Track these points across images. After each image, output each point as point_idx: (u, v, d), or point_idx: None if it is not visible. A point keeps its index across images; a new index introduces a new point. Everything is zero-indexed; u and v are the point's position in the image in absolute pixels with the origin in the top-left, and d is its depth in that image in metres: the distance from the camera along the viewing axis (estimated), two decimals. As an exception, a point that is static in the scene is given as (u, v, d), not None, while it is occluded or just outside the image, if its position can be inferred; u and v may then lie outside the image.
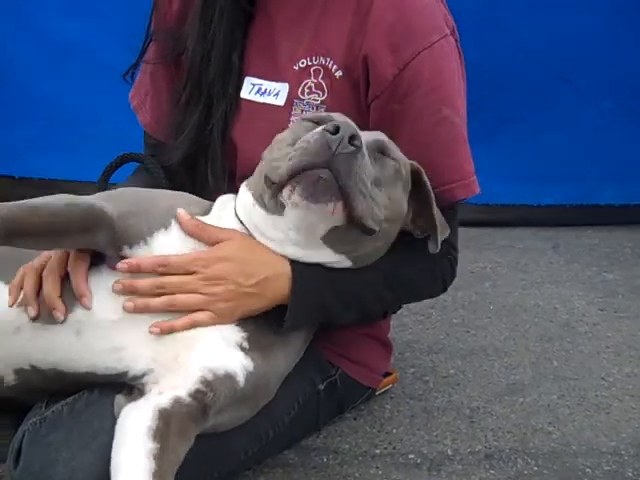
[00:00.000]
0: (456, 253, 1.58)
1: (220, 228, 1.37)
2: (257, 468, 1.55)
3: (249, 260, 1.35)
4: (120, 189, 1.48)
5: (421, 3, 1.45)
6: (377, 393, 1.81)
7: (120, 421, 1.26)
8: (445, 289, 1.62)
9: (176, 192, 1.47)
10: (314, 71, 1.49)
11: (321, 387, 1.61)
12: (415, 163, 1.41)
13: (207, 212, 1.41)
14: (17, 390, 1.41)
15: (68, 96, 3.09)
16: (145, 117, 1.75)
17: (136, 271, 1.31)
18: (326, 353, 1.62)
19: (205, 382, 1.28)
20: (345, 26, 1.46)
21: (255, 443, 1.49)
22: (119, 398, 1.31)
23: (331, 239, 1.33)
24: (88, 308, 1.31)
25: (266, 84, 1.53)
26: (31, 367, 1.37)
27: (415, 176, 1.41)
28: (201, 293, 1.32)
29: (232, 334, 1.34)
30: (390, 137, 1.39)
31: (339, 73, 1.47)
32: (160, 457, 1.21)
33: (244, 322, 1.35)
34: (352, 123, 1.27)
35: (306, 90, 1.49)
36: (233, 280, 1.32)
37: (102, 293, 1.32)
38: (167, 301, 1.30)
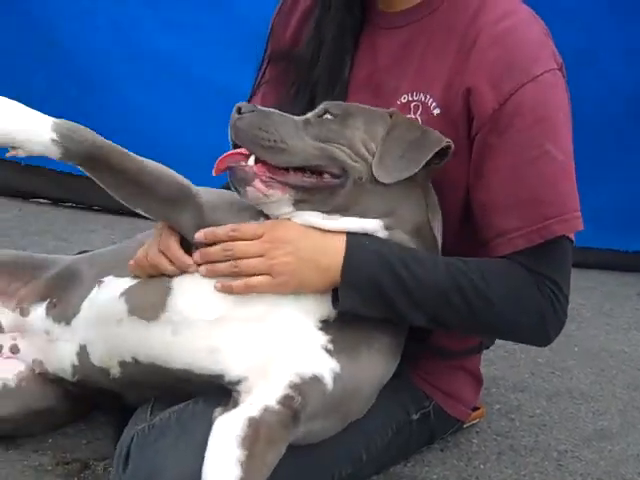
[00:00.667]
0: (560, 293, 1.46)
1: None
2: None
3: (310, 231, 1.38)
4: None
5: (527, 37, 1.45)
6: (464, 426, 1.82)
7: (215, 430, 1.30)
8: (546, 332, 1.48)
9: None
10: (414, 106, 1.51)
11: (415, 417, 1.63)
12: (394, 111, 1.45)
13: None
14: (121, 383, 1.49)
15: (163, 109, 3.19)
16: None
17: (211, 238, 1.37)
18: (421, 384, 1.64)
19: (293, 386, 1.32)
20: (446, 64, 1.48)
21: (349, 465, 1.51)
22: (218, 410, 1.35)
23: (308, 205, 1.37)
24: (195, 270, 1.39)
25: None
26: (133, 359, 1.44)
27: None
28: (263, 256, 1.36)
29: (318, 336, 1.36)
30: (489, 171, 1.42)
31: (437, 110, 1.48)
32: (248, 464, 1.25)
33: (329, 325, 1.37)
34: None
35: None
36: (294, 244, 1.36)
37: (196, 294, 1.38)
38: (231, 264, 1.36)
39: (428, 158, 1.37)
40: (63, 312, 1.60)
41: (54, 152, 1.30)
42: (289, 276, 1.36)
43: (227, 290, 1.36)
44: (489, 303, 1.41)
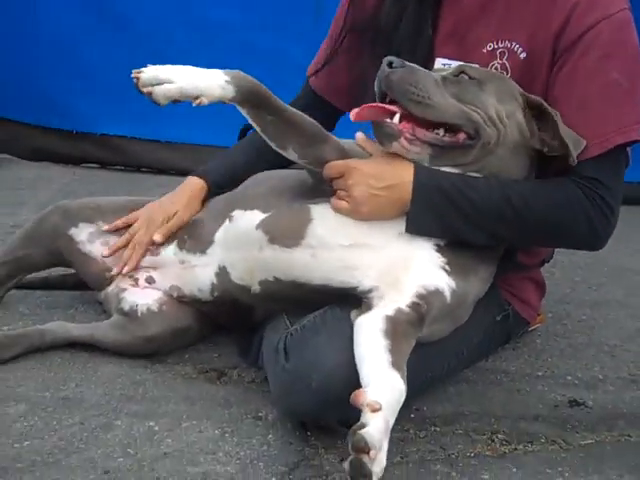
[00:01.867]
0: (611, 198, 1.66)
1: (376, 145, 1.68)
2: (446, 381, 1.88)
3: (383, 170, 1.63)
4: None
5: None
6: (529, 330, 2.14)
7: (357, 327, 1.59)
8: (596, 232, 1.67)
9: None
10: (500, 53, 1.76)
11: (498, 318, 1.94)
12: (532, 96, 1.65)
13: None
14: (260, 297, 1.77)
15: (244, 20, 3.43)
16: (320, 83, 2.07)
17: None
18: (502, 292, 1.95)
19: (420, 296, 1.61)
20: (530, 11, 1.72)
21: (454, 358, 1.82)
22: (354, 312, 1.64)
23: (436, 163, 1.62)
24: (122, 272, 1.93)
25: (455, 65, 1.77)
26: (274, 279, 1.72)
27: (538, 107, 1.66)
28: (346, 190, 1.64)
29: (436, 258, 1.65)
30: (561, 94, 1.67)
31: (523, 55, 1.74)
32: (393, 351, 1.53)
33: (443, 249, 1.65)
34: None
35: (492, 70, 1.75)
36: (365, 182, 1.63)
37: (333, 223, 1.66)
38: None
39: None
40: (196, 244, 1.89)
41: (229, 91, 1.57)
42: (363, 205, 1.63)
43: (334, 209, 1.66)
44: (538, 214, 1.63)
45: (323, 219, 1.68)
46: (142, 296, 1.94)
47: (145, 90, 1.54)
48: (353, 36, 1.97)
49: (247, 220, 1.78)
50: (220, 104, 1.60)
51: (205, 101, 1.56)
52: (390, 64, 1.59)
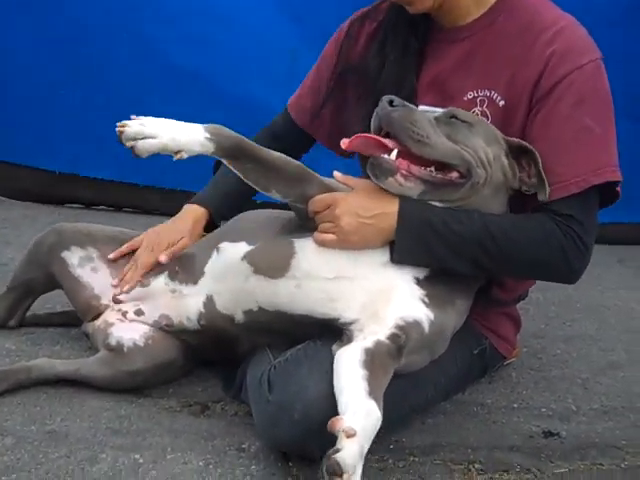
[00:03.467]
0: (585, 234, 1.73)
1: (356, 179, 1.76)
2: (424, 414, 1.93)
3: (369, 200, 1.70)
4: None
5: (576, 35, 1.80)
6: (505, 363, 2.20)
7: (337, 359, 1.64)
8: (570, 265, 1.74)
9: None
10: (480, 101, 1.85)
11: (475, 352, 2.00)
12: (512, 139, 1.74)
13: None
14: (244, 327, 1.83)
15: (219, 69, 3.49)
16: (302, 116, 2.16)
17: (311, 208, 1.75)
18: (479, 327, 2.02)
19: (399, 327, 1.66)
20: (508, 63, 1.82)
21: (432, 389, 1.87)
22: (335, 345, 1.70)
23: (428, 197, 1.69)
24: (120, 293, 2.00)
25: (440, 110, 1.83)
26: (259, 308, 1.79)
27: (520, 149, 1.75)
28: (333, 222, 1.70)
29: (415, 291, 1.71)
30: (537, 138, 1.75)
31: (502, 102, 1.83)
32: (370, 381, 1.57)
33: (422, 282, 1.72)
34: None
35: None
36: (353, 212, 1.69)
37: (316, 256, 1.72)
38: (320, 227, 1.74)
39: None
40: (188, 276, 1.94)
41: (209, 147, 1.65)
42: (352, 234, 1.70)
43: (316, 243, 1.73)
44: (517, 245, 1.71)
45: (306, 252, 1.74)
46: (129, 331, 1.98)
47: (128, 144, 1.61)
48: (339, 81, 2.07)
49: (233, 252, 1.84)
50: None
51: (185, 156, 1.64)
52: (391, 102, 1.66)
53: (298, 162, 1.76)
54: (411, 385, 1.78)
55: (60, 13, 3.45)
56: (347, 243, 1.71)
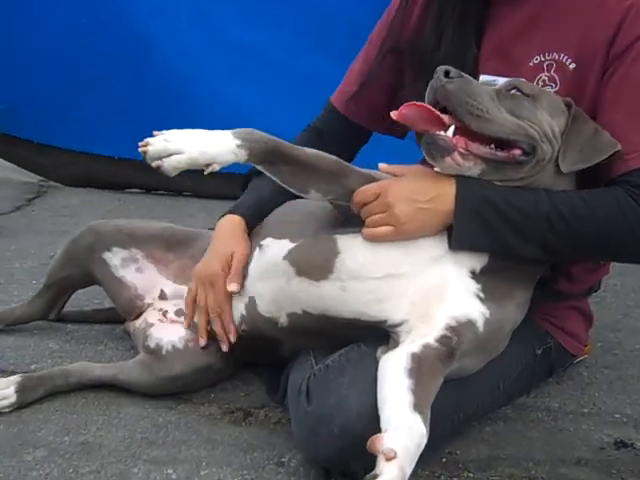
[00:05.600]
0: None
1: (405, 166, 1.63)
2: (482, 421, 1.77)
3: (422, 183, 1.56)
4: None
5: None
6: (575, 362, 2.02)
7: (381, 367, 1.51)
8: None
9: None
10: (547, 66, 1.68)
11: (538, 352, 1.83)
12: (569, 101, 1.59)
13: None
14: (287, 331, 1.71)
15: (245, 98, 3.39)
16: (353, 109, 1.97)
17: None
18: (544, 324, 1.84)
19: (450, 328, 1.51)
20: (579, 23, 1.65)
21: (488, 395, 1.72)
22: (380, 350, 1.56)
23: (489, 177, 1.53)
24: (232, 342, 1.80)
25: (501, 80, 1.68)
26: (303, 312, 1.65)
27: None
28: (386, 212, 1.55)
29: (470, 285, 1.55)
30: (612, 105, 1.59)
31: (572, 65, 1.66)
32: (416, 391, 1.44)
33: (478, 276, 1.56)
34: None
35: (540, 83, 1.68)
36: (408, 197, 1.55)
37: (362, 255, 1.58)
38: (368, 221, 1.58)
39: (602, 159, 1.54)
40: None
41: (242, 155, 1.51)
42: (409, 222, 1.55)
43: (367, 238, 1.58)
44: (590, 223, 1.53)
45: (351, 251, 1.60)
46: (168, 332, 1.89)
47: (154, 164, 1.49)
48: (392, 57, 1.89)
49: (276, 250, 1.71)
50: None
51: (217, 167, 1.51)
52: (447, 73, 1.50)
53: (335, 157, 1.62)
54: (465, 391, 1.63)
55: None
56: (404, 233, 1.56)
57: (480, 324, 1.54)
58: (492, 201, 1.53)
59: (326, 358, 1.62)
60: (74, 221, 3.18)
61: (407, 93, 1.82)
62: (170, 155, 1.49)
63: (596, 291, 1.96)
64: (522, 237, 1.54)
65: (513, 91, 1.56)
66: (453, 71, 1.50)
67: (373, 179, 1.61)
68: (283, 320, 1.70)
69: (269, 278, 1.70)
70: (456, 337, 1.51)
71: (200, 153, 1.49)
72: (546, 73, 1.68)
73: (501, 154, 1.51)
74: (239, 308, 1.79)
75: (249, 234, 1.87)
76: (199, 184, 3.56)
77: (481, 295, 1.55)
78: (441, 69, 1.51)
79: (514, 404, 1.85)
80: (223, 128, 3.48)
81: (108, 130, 3.58)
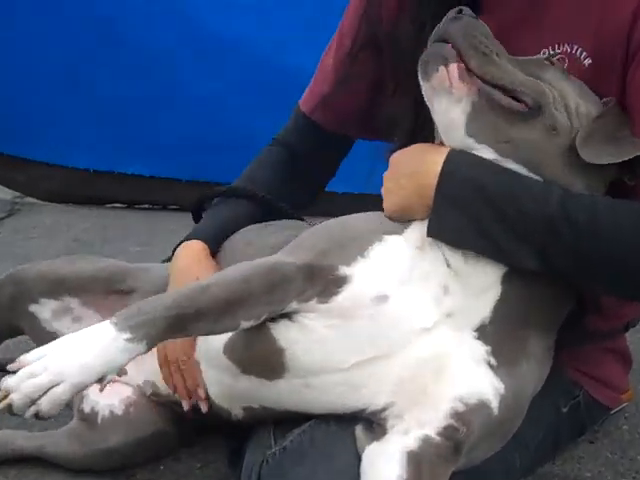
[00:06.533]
0: None
1: None
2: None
3: (410, 155, 1.29)
4: (308, 232, 1.35)
5: None
6: (612, 412, 1.63)
7: (366, 463, 1.18)
8: None
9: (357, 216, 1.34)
10: (558, 60, 1.33)
11: (564, 410, 1.47)
12: (610, 99, 1.28)
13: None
14: (244, 422, 1.37)
15: (226, 100, 3.07)
16: (328, 116, 1.62)
17: None
18: (569, 372, 1.47)
19: (456, 415, 1.16)
20: (591, 7, 1.30)
21: (502, 475, 1.35)
22: (359, 432, 1.22)
23: (475, 129, 1.21)
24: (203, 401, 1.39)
25: None
26: (261, 407, 1.31)
27: None
28: None
29: (477, 349, 1.20)
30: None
31: (588, 61, 1.31)
32: None
33: (484, 334, 1.21)
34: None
35: None
36: (392, 172, 1.29)
37: (319, 350, 1.22)
38: None
39: (628, 157, 1.20)
40: None
41: (138, 349, 1.15)
42: (388, 201, 1.27)
43: None
44: (607, 236, 1.17)
45: (299, 345, 1.23)
46: (107, 394, 1.52)
47: (27, 415, 1.11)
48: (370, 53, 1.55)
49: (211, 340, 1.33)
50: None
51: (110, 378, 1.16)
52: (460, 11, 1.23)
53: (268, 261, 1.24)
54: (471, 475, 1.26)
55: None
56: (387, 211, 1.28)
57: (494, 404, 1.19)
58: (482, 184, 1.19)
59: (286, 436, 1.27)
60: (43, 244, 2.88)
61: (387, 100, 1.52)
62: (47, 392, 1.11)
63: (634, 325, 1.58)
64: (515, 236, 1.18)
65: (544, 61, 1.28)
66: (466, 10, 1.23)
67: (320, 266, 1.22)
68: (237, 412, 1.37)
69: (213, 367, 1.35)
70: (464, 427, 1.16)
71: (83, 371, 1.13)
72: None
73: (501, 96, 1.21)
74: None
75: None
76: (185, 196, 3.24)
77: (492, 361, 1.20)
78: (454, 10, 1.23)
79: (537, 473, 1.49)
80: (204, 132, 3.19)
81: (85, 141, 3.27)
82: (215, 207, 1.61)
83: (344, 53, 1.57)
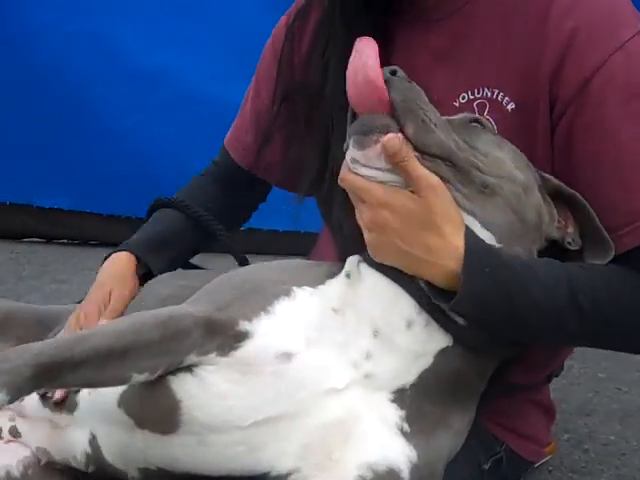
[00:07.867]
0: None
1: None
2: None
3: (418, 219, 1.11)
4: (212, 283, 1.26)
5: (604, 1, 1.24)
6: (535, 466, 1.59)
7: None
8: None
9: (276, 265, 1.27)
10: (478, 105, 1.29)
11: (486, 467, 1.40)
12: (553, 180, 1.21)
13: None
14: None
15: (152, 132, 2.99)
16: (251, 159, 1.58)
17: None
18: (490, 426, 1.41)
19: None
20: (513, 49, 1.26)
21: None
22: None
23: None
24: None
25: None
26: (157, 468, 1.21)
27: (557, 192, 1.21)
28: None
29: (391, 413, 1.13)
30: (580, 164, 1.21)
31: (511, 106, 1.26)
32: None
33: (401, 398, 1.13)
34: None
35: None
36: (393, 233, 1.11)
37: (217, 406, 1.12)
38: None
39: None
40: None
41: (2, 399, 1.04)
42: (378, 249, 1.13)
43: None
44: (610, 320, 1.17)
45: (195, 400, 1.13)
46: (4, 453, 1.40)
47: None
48: (286, 106, 1.50)
49: (105, 392, 1.22)
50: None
51: None
52: (393, 72, 1.10)
53: (165, 318, 1.13)
54: None
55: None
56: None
57: (405, 474, 1.11)
58: (508, 261, 1.12)
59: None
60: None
61: (301, 148, 1.46)
62: None
63: (557, 375, 1.54)
64: (517, 324, 1.14)
65: (473, 124, 1.19)
66: (399, 71, 1.11)
67: (220, 321, 1.13)
68: (134, 474, 1.25)
69: (107, 423, 1.24)
70: None
71: None
72: (477, 115, 1.26)
73: None
74: (82, 443, 1.30)
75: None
76: (106, 231, 3.13)
77: (405, 427, 1.12)
78: (389, 68, 1.11)
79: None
80: (127, 166, 3.08)
81: (1, 173, 3.14)
82: (151, 220, 1.58)
83: (263, 104, 1.53)
